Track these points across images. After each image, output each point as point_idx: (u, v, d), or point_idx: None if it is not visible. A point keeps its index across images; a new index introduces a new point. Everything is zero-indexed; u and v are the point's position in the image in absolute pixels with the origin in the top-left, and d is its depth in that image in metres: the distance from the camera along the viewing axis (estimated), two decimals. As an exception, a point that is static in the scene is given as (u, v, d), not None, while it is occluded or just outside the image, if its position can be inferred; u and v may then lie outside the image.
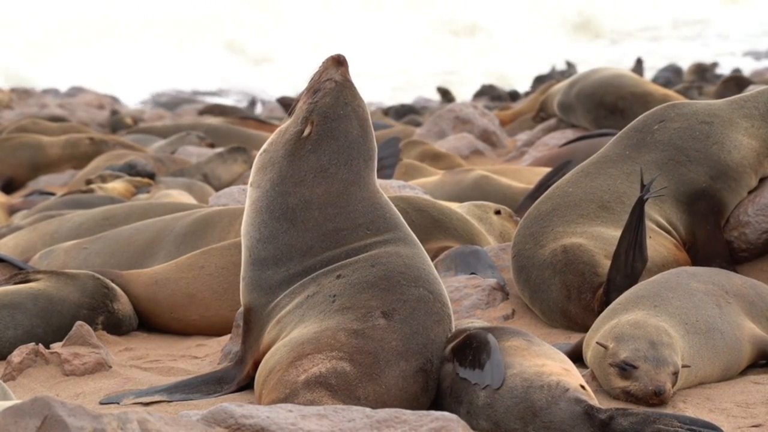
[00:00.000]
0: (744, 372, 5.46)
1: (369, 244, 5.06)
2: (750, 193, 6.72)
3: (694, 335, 5.21)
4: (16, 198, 13.76)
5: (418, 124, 18.50)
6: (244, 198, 7.54)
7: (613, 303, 5.45)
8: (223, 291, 6.86)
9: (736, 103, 6.85)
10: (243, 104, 29.65)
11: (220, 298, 6.88)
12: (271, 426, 3.66)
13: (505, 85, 29.53)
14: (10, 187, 15.11)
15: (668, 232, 6.52)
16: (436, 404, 4.76)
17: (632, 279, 5.80)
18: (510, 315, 6.51)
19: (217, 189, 12.47)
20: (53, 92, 29.77)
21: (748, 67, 31.27)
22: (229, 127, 17.52)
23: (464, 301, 6.51)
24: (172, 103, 29.68)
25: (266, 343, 5.08)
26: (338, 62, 5.32)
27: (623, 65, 25.73)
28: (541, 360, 4.61)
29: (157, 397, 5.28)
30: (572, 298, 6.21)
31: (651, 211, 6.43)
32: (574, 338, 5.95)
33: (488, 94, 26.36)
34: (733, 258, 6.62)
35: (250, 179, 5.35)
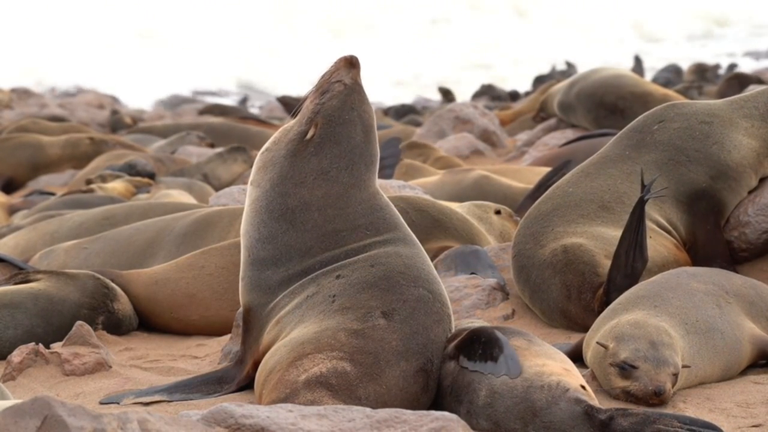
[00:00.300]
0: (744, 372, 5.46)
1: (368, 245, 5.06)
2: (750, 193, 6.72)
3: (694, 335, 5.21)
4: (16, 198, 13.75)
5: (418, 124, 18.50)
6: (244, 198, 7.53)
7: (614, 303, 5.45)
8: (223, 291, 6.86)
9: (736, 103, 6.85)
10: (237, 99, 29.69)
11: (220, 298, 6.88)
12: (271, 426, 3.66)
13: (506, 85, 29.53)
14: (10, 187, 15.11)
15: (668, 232, 6.53)
16: (436, 404, 4.76)
17: (632, 279, 5.80)
18: (510, 315, 6.51)
19: (217, 189, 12.47)
20: (52, 90, 29.78)
21: (748, 67, 31.26)
22: (230, 127, 17.52)
23: (464, 301, 6.51)
24: (172, 103, 29.67)
25: (266, 343, 5.08)
26: (350, 64, 5.26)
27: (623, 65, 25.72)
28: (542, 360, 4.61)
29: (157, 397, 5.28)
30: (572, 297, 6.21)
31: (651, 211, 6.43)
32: (574, 338, 5.95)
33: (488, 94, 26.37)
34: (733, 258, 6.62)
35: (251, 177, 5.34)
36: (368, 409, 3.81)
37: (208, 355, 6.29)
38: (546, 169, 10.70)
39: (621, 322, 5.12)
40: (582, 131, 13.45)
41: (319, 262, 5.07)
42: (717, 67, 28.31)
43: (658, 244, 6.37)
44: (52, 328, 6.57)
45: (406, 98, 29.27)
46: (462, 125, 15.77)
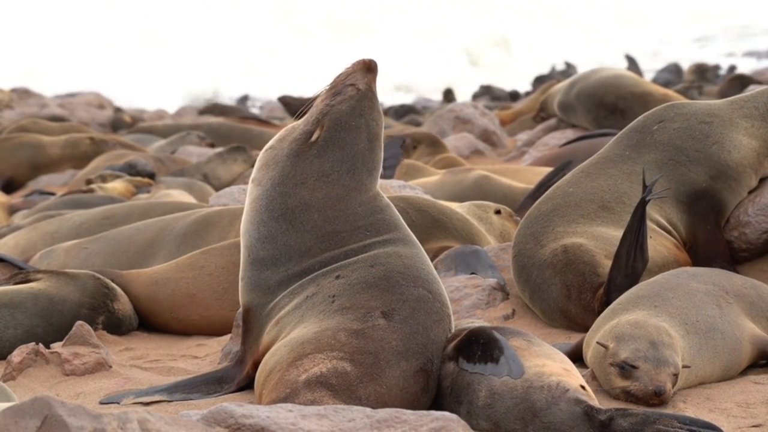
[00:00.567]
0: (744, 372, 5.46)
1: (368, 245, 5.05)
2: (750, 193, 6.72)
3: (694, 335, 5.21)
4: (17, 198, 13.76)
5: (418, 124, 18.50)
6: (244, 198, 7.52)
7: (614, 303, 5.45)
8: (224, 291, 6.86)
9: (736, 103, 6.85)
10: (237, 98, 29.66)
11: (220, 297, 6.88)
12: (272, 426, 3.66)
13: (506, 84, 29.53)
14: (10, 187, 15.12)
15: (669, 232, 6.53)
16: (436, 404, 4.76)
17: (633, 279, 5.80)
18: (510, 315, 6.51)
19: (217, 189, 12.47)
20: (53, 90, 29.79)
21: (748, 67, 31.27)
22: (230, 127, 17.52)
23: (464, 301, 6.51)
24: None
25: (265, 343, 5.08)
26: (368, 68, 5.21)
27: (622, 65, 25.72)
28: (541, 360, 4.61)
29: (157, 397, 5.28)
30: (572, 297, 6.21)
31: (651, 211, 6.43)
32: (574, 338, 5.95)
33: (488, 94, 26.38)
34: (733, 258, 6.62)
35: (252, 175, 5.32)
36: (368, 409, 3.81)
37: (208, 355, 6.29)
38: (546, 170, 10.71)
39: (621, 322, 5.12)
40: (582, 131, 13.46)
41: (319, 262, 5.07)
42: (717, 67, 28.32)
43: (659, 244, 6.37)
44: (53, 328, 6.57)
45: (407, 98, 29.28)
46: (462, 125, 15.79)
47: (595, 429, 4.39)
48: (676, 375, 4.95)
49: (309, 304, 4.96)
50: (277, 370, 4.73)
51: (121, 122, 21.37)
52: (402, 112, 22.50)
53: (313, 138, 5.15)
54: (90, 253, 8.15)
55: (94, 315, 6.76)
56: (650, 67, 29.47)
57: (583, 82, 13.68)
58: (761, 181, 6.76)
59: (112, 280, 7.04)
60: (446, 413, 3.78)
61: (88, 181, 12.25)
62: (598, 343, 5.10)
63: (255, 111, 26.64)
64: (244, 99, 28.85)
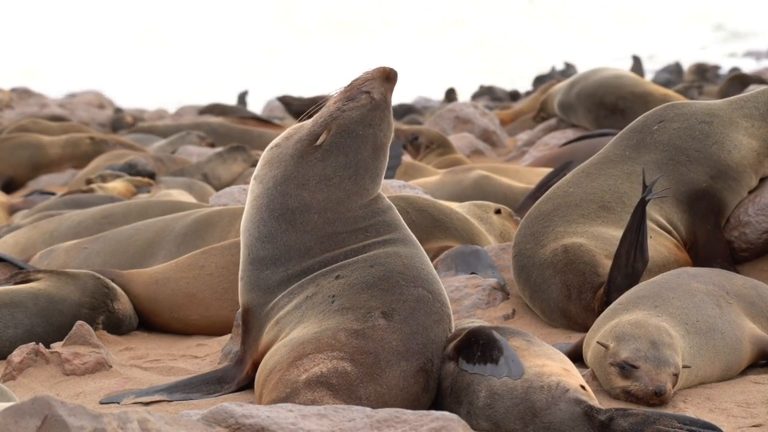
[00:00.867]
0: (744, 372, 5.46)
1: (368, 245, 5.05)
2: (750, 192, 6.72)
3: (694, 335, 5.21)
4: (17, 198, 13.76)
5: (418, 124, 18.50)
6: (245, 198, 7.53)
7: (614, 303, 5.45)
8: (224, 291, 6.86)
9: (736, 103, 6.85)
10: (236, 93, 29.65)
11: (220, 297, 6.88)
12: (272, 426, 3.66)
13: (506, 84, 29.54)
14: (10, 187, 15.12)
15: (669, 232, 6.53)
16: (436, 404, 4.76)
17: (633, 279, 5.80)
18: (510, 315, 6.51)
19: (217, 189, 12.47)
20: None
21: (748, 67, 31.28)
22: (229, 128, 17.52)
23: (464, 300, 6.51)
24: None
25: (265, 343, 5.07)
26: (386, 78, 5.15)
27: (623, 65, 25.72)
28: (541, 360, 4.61)
29: (156, 397, 5.27)
30: (573, 297, 6.21)
31: (652, 211, 6.43)
32: (574, 338, 5.95)
33: (488, 94, 26.38)
34: (734, 258, 6.62)
35: (255, 172, 5.30)
36: (368, 409, 3.81)
37: (208, 354, 6.29)
38: (546, 170, 10.71)
39: (621, 321, 5.12)
40: (582, 131, 13.46)
41: (319, 262, 5.06)
42: (717, 67, 28.32)
43: (659, 244, 6.37)
44: (53, 328, 6.56)
45: (407, 98, 29.27)
46: (462, 125, 15.79)
47: (595, 429, 4.39)
48: (676, 375, 4.95)
49: (309, 305, 4.96)
50: (278, 370, 4.73)
51: (122, 122, 21.37)
52: (402, 111, 22.49)
53: (319, 141, 5.12)
54: (90, 252, 8.15)
55: (95, 315, 6.76)
56: (650, 67, 29.48)
57: (583, 82, 13.68)
58: (761, 180, 6.76)
59: (113, 280, 7.04)
60: (446, 413, 3.77)
61: (89, 181, 12.25)
62: (598, 342, 5.09)
63: (256, 108, 26.59)
64: (244, 95, 28.82)
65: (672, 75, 26.18)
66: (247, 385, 5.25)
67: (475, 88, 27.92)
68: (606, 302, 5.79)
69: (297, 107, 18.54)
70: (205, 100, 29.43)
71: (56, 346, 6.10)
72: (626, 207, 6.41)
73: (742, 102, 6.85)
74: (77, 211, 9.54)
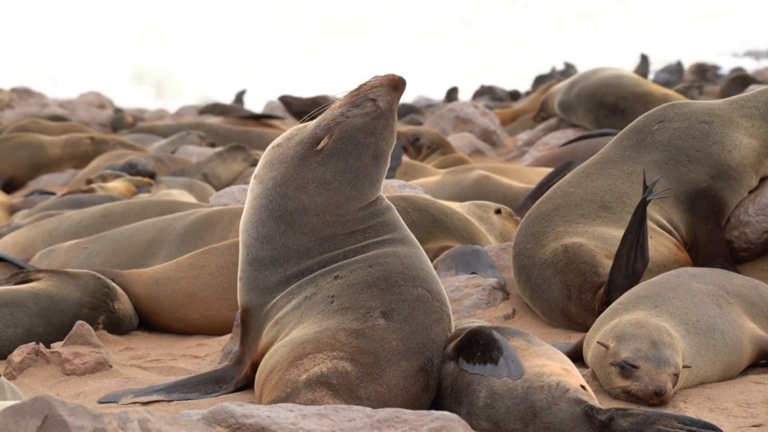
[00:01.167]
0: (744, 372, 5.46)
1: (367, 245, 5.04)
2: (750, 192, 6.72)
3: (694, 335, 5.21)
4: (17, 197, 13.76)
5: (418, 124, 18.50)
6: (245, 197, 7.51)
7: (614, 303, 5.45)
8: (224, 290, 6.86)
9: (736, 103, 6.85)
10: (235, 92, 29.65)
11: (220, 297, 6.88)
12: (272, 425, 3.66)
13: (506, 84, 29.53)
14: (10, 187, 15.12)
15: (669, 232, 6.53)
16: (436, 404, 4.76)
17: (633, 279, 5.80)
18: (510, 315, 6.51)
19: (217, 188, 12.48)
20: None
21: (748, 67, 31.28)
22: (230, 127, 17.52)
23: (465, 300, 6.51)
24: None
25: (264, 344, 5.07)
26: (394, 86, 5.13)
27: (624, 64, 25.71)
28: (541, 360, 4.61)
29: (155, 397, 5.27)
30: (573, 297, 6.21)
31: (652, 211, 6.43)
32: (574, 338, 5.95)
33: (488, 94, 26.37)
34: (734, 258, 6.62)
35: (255, 171, 5.30)
36: (369, 409, 3.80)
37: (208, 354, 6.29)
38: (546, 170, 10.71)
39: (622, 321, 5.12)
40: (582, 131, 13.47)
41: (318, 263, 5.06)
42: (716, 67, 28.31)
43: (659, 244, 6.37)
44: (53, 328, 6.56)
45: (407, 98, 29.26)
46: (462, 125, 15.80)
47: (595, 429, 4.39)
48: (676, 375, 4.95)
49: (308, 305, 4.96)
50: (278, 370, 4.73)
51: (122, 122, 21.37)
52: (402, 111, 22.48)
53: (320, 146, 5.11)
54: (90, 252, 8.15)
55: (95, 314, 6.76)
56: (650, 67, 29.45)
57: (583, 82, 13.68)
58: (762, 180, 6.76)
59: (113, 280, 7.04)
60: (446, 413, 3.77)
61: (89, 181, 12.26)
62: (598, 342, 5.09)
63: (256, 108, 26.57)
64: (241, 94, 28.82)
65: (672, 75, 26.16)
66: (246, 386, 5.25)
67: (475, 88, 27.90)
68: (606, 302, 5.79)
69: (297, 107, 18.55)
70: (205, 100, 29.43)
71: (56, 346, 6.11)
72: (626, 207, 6.41)
73: (742, 102, 6.85)
74: (77, 211, 9.55)
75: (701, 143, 6.67)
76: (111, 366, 5.92)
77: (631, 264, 5.81)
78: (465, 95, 26.98)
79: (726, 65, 30.82)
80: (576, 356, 5.35)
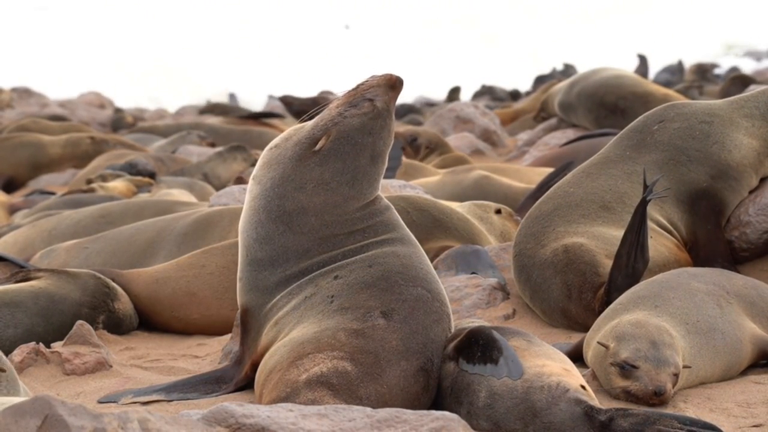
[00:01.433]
0: (745, 372, 5.46)
1: (366, 245, 5.04)
2: (751, 192, 6.72)
3: (695, 335, 5.21)
4: (17, 197, 13.77)
5: (418, 124, 18.50)
6: (245, 197, 7.50)
7: (614, 303, 5.45)
8: (224, 290, 6.86)
9: (737, 103, 6.85)
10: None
11: (220, 297, 6.88)
12: (272, 425, 3.66)
13: (507, 84, 29.53)
14: (10, 187, 15.12)
15: (669, 232, 6.53)
16: (436, 404, 4.76)
17: (633, 279, 5.80)
18: (510, 315, 6.51)
19: (217, 188, 12.48)
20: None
21: (748, 67, 31.28)
22: (230, 126, 17.53)
23: (465, 300, 6.51)
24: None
25: (264, 344, 5.07)
26: (391, 86, 5.13)
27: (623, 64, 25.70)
28: (541, 360, 4.61)
29: (155, 396, 5.27)
30: (573, 297, 6.21)
31: (652, 211, 6.43)
32: (574, 338, 5.95)
33: (489, 94, 26.37)
34: (734, 258, 6.62)
35: (254, 172, 5.30)
36: (369, 409, 3.80)
37: (208, 354, 6.29)
38: (546, 169, 10.72)
39: (622, 321, 5.12)
40: (583, 131, 13.47)
41: (317, 263, 5.06)
42: (715, 65, 28.30)
43: (659, 244, 6.37)
44: (53, 327, 6.56)
45: (407, 98, 29.26)
46: (463, 125, 15.80)
47: (595, 429, 4.39)
48: (676, 375, 4.95)
49: (308, 305, 4.96)
50: (278, 369, 4.73)
51: (122, 122, 21.38)
52: (402, 111, 22.48)
53: (318, 146, 5.11)
54: (91, 252, 8.15)
55: (95, 314, 6.76)
56: (650, 67, 29.44)
57: (583, 82, 13.68)
58: (762, 180, 6.76)
59: (113, 280, 7.04)
60: (446, 413, 3.77)
61: (89, 181, 12.26)
62: (598, 342, 5.09)
63: (255, 108, 26.58)
64: (233, 95, 28.86)
65: (673, 75, 26.17)
66: (246, 386, 5.25)
67: (476, 88, 27.90)
68: (606, 302, 5.79)
69: (298, 107, 18.55)
70: (204, 100, 29.43)
71: (56, 346, 6.10)
72: (627, 207, 6.41)
73: (742, 102, 6.85)
74: (75, 210, 9.56)
75: (701, 143, 6.67)
76: (111, 366, 5.92)
77: (632, 264, 5.81)
78: (465, 95, 26.98)
79: (725, 65, 30.81)
80: (576, 356, 5.35)
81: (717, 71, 27.57)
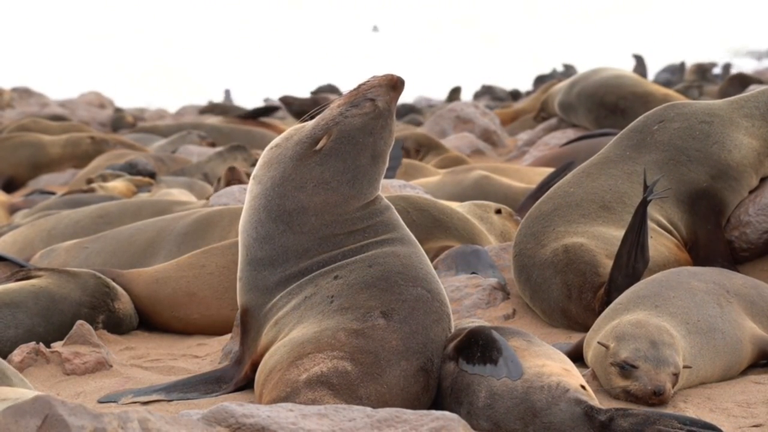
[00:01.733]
0: (745, 372, 5.46)
1: (366, 245, 5.04)
2: (751, 192, 6.72)
3: (695, 335, 5.21)
4: (17, 197, 13.77)
5: (419, 124, 18.51)
6: (245, 197, 7.51)
7: (614, 302, 5.44)
8: (224, 290, 6.86)
9: (737, 103, 6.85)
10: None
11: (220, 297, 6.88)
12: (272, 425, 3.66)
13: (507, 84, 29.54)
14: (10, 186, 15.13)
15: (669, 232, 6.53)
16: (436, 404, 4.76)
17: (633, 279, 5.80)
18: (510, 314, 6.51)
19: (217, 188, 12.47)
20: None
21: (748, 67, 31.28)
22: (230, 126, 17.53)
23: (465, 300, 6.51)
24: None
25: (264, 344, 5.07)
26: (392, 86, 5.13)
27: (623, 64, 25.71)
28: (541, 360, 4.61)
29: (155, 396, 5.27)
30: (573, 297, 6.21)
31: (652, 211, 6.43)
32: (574, 338, 5.95)
33: (489, 94, 26.38)
34: (734, 258, 6.62)
35: (254, 172, 5.30)
36: (369, 409, 3.80)
37: (208, 354, 6.29)
38: (547, 169, 10.72)
39: (622, 321, 5.12)
40: (583, 131, 13.47)
41: (317, 263, 5.06)
42: (714, 65, 28.31)
43: (659, 244, 6.37)
44: (53, 327, 6.56)
45: (407, 97, 29.28)
46: (463, 125, 15.80)
47: (595, 429, 4.39)
48: (676, 375, 4.95)
49: (308, 305, 4.95)
50: (278, 369, 4.73)
51: (122, 122, 21.38)
52: (402, 111, 22.48)
53: (319, 146, 5.11)
54: (91, 252, 8.15)
55: (95, 314, 6.76)
56: (651, 67, 29.45)
57: (583, 82, 13.68)
58: (762, 180, 6.76)
59: (113, 279, 7.04)
60: (446, 413, 3.77)
61: (89, 181, 12.26)
62: (599, 342, 5.09)
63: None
64: (228, 92, 28.86)
65: (673, 75, 26.17)
66: (246, 385, 5.25)
67: (476, 88, 27.91)
68: (606, 302, 5.78)
69: (298, 107, 18.56)
70: (204, 100, 29.42)
71: (57, 346, 6.10)
72: (627, 207, 6.41)
73: (742, 102, 6.85)
74: (74, 210, 9.56)
75: (701, 143, 6.67)
76: (111, 366, 5.92)
77: (632, 264, 5.81)
78: (465, 95, 26.99)
79: (726, 65, 30.80)
80: (576, 356, 5.35)
81: (716, 71, 27.57)
